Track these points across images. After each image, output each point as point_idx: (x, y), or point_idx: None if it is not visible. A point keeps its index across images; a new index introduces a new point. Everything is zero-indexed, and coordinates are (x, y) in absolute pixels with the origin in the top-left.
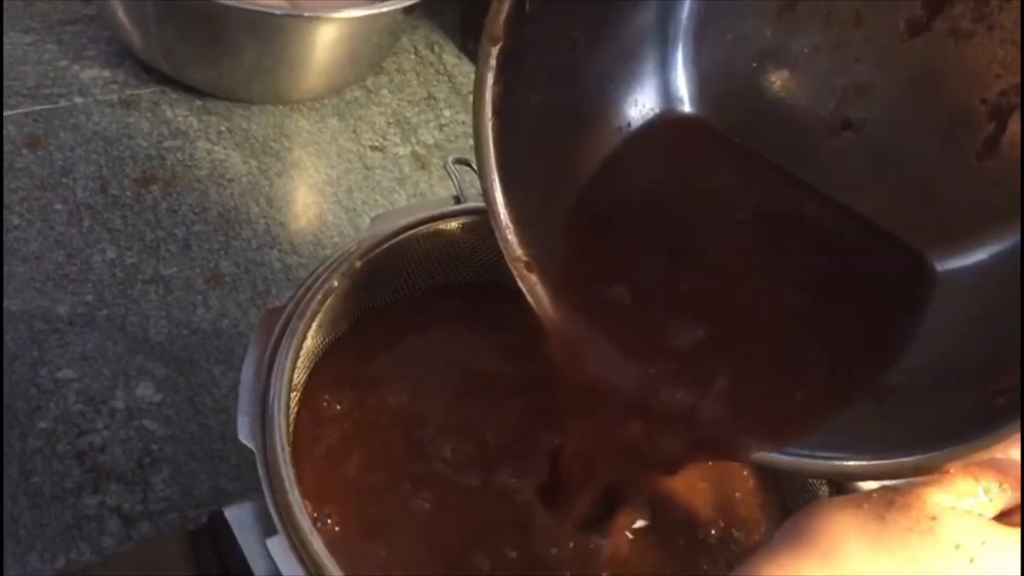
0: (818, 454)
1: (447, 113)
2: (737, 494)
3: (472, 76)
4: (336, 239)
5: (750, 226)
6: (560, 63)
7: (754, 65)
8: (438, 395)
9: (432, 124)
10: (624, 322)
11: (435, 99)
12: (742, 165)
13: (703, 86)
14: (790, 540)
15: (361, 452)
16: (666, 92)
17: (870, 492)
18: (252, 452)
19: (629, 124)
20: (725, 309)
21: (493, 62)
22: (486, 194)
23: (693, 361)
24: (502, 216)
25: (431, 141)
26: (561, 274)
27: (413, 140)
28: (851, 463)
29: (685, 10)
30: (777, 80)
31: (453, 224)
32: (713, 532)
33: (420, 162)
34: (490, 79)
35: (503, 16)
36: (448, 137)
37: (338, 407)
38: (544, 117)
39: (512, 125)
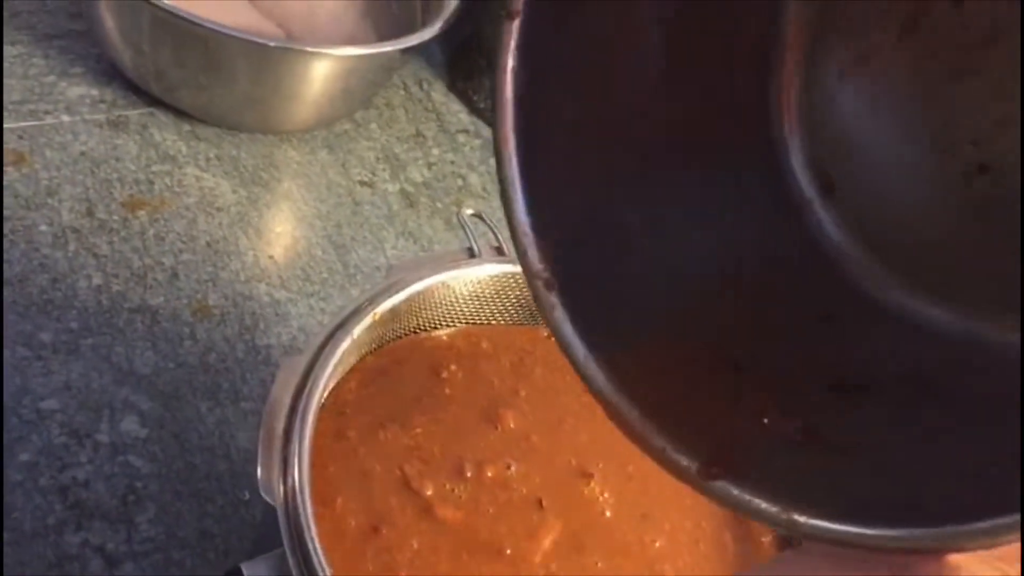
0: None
1: (435, 152)
2: None
3: (460, 117)
4: (325, 275)
5: None
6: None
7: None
8: (451, 435)
9: (421, 162)
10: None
11: (424, 137)
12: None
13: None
14: None
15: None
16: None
17: None
18: (244, 501)
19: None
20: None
21: (512, 41)
22: (504, 199)
23: None
24: (522, 221)
25: (420, 179)
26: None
27: (402, 177)
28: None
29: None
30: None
31: (470, 276)
32: None
33: (409, 200)
34: (510, 61)
35: None
36: (436, 176)
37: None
38: (581, 130)
39: (538, 124)
